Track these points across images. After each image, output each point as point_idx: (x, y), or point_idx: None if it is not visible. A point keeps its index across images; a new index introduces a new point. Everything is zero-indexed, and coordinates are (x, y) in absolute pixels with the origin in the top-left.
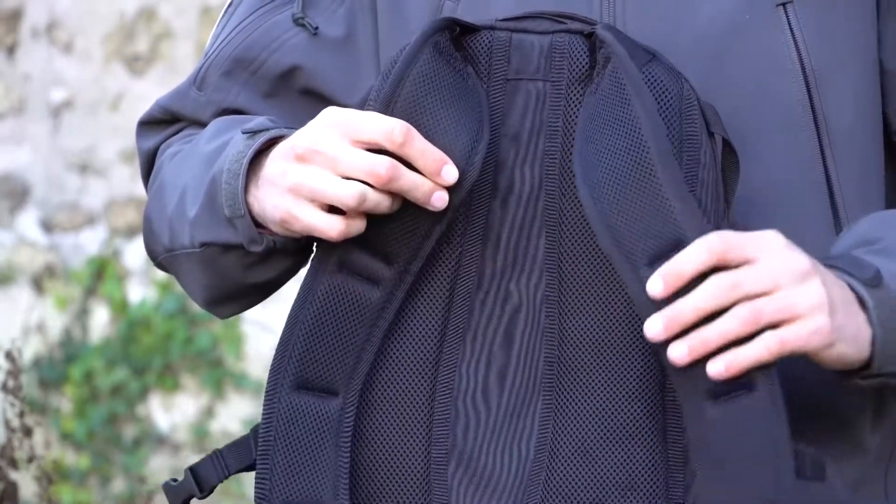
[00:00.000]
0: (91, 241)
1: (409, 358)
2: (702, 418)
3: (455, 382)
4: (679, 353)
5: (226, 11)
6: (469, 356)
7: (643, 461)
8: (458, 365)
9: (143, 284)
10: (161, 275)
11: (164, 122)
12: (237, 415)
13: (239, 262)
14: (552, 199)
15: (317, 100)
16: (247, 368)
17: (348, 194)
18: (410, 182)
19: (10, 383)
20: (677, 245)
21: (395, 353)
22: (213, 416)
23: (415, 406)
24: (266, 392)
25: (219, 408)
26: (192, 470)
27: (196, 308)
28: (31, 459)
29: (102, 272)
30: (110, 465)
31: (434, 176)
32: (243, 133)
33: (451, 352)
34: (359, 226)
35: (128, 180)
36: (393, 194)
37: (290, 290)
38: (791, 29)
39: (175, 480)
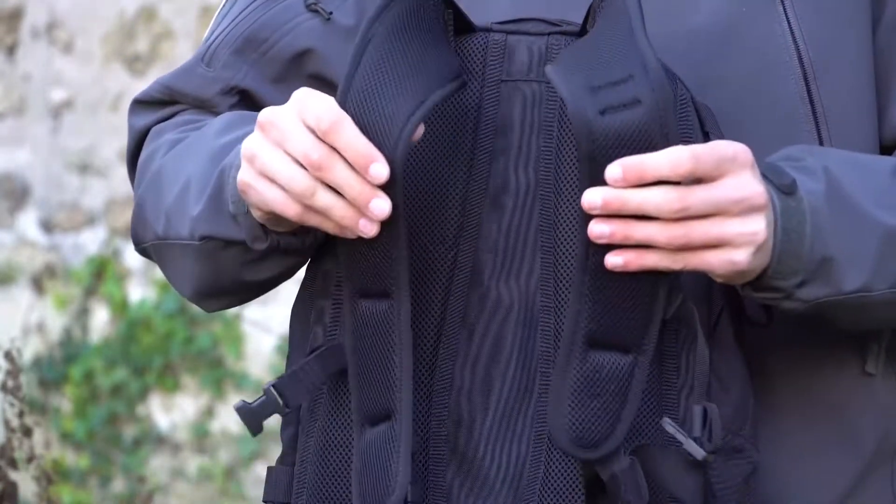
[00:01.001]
0: (91, 241)
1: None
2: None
3: (451, 382)
4: (600, 231)
5: None
6: (465, 356)
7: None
8: (453, 365)
9: (143, 284)
10: (161, 275)
11: (160, 102)
12: (237, 415)
13: (238, 258)
14: (547, 198)
15: (325, 86)
16: (247, 368)
17: (298, 181)
18: (342, 178)
19: (10, 383)
20: (629, 77)
21: None
22: (213, 416)
23: (414, 404)
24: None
25: (219, 408)
26: (275, 387)
27: (196, 308)
28: (30, 459)
29: (102, 272)
30: (110, 465)
31: (363, 172)
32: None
33: (447, 352)
34: (315, 219)
35: (128, 180)
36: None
37: (289, 291)
38: (788, 20)
39: (247, 402)
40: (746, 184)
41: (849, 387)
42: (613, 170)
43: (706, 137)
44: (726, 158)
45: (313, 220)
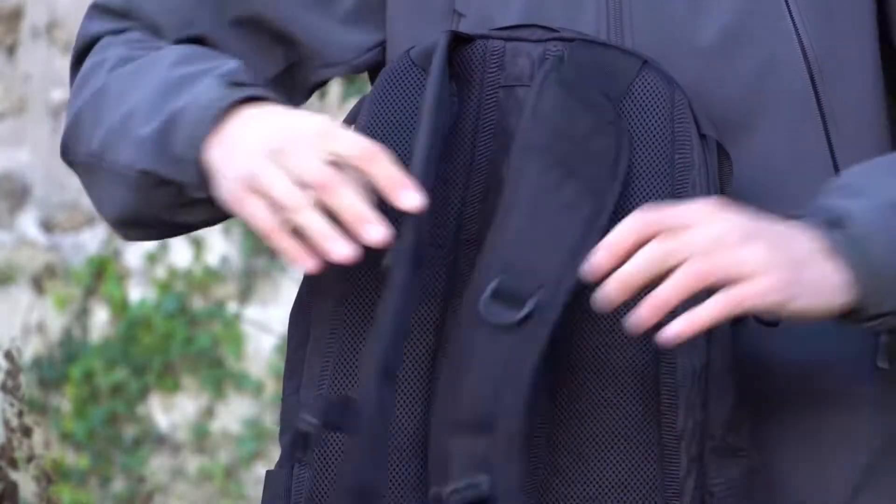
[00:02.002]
0: (91, 241)
1: (406, 363)
2: None
3: None
4: (639, 317)
5: None
6: None
7: (638, 460)
8: None
9: (143, 284)
10: (161, 275)
11: (118, 13)
12: (237, 415)
13: (169, 199)
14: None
15: (280, 39)
16: (247, 368)
17: (290, 197)
18: (344, 201)
19: (10, 383)
20: None
21: None
22: (213, 416)
23: (412, 409)
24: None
25: (219, 408)
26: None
27: (196, 308)
28: (30, 459)
29: (102, 272)
30: (110, 465)
31: (395, 196)
32: (221, 77)
33: (446, 356)
34: (289, 245)
35: None
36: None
37: (289, 292)
38: (792, 19)
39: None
40: (727, 218)
41: (856, 383)
42: (596, 256)
43: (703, 140)
44: (689, 206)
45: (281, 242)
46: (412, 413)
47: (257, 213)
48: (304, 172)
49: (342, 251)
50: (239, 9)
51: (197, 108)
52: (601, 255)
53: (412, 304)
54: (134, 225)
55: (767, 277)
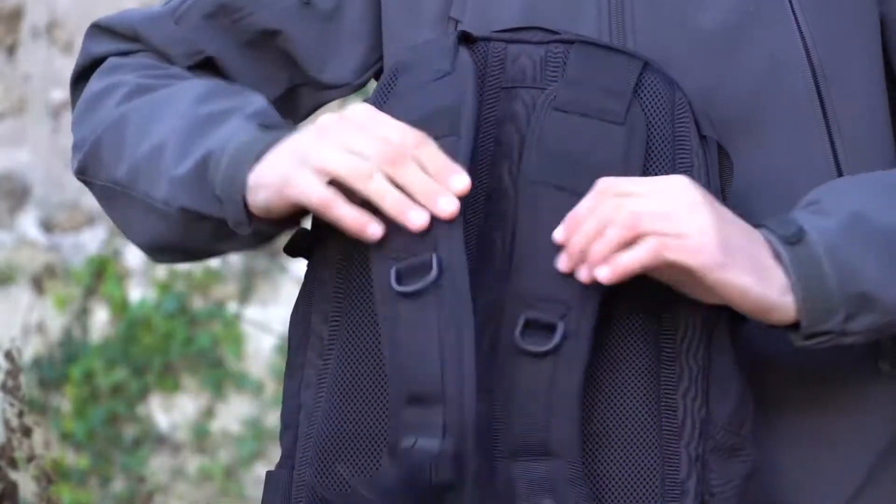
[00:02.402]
0: (91, 241)
1: None
2: None
3: None
4: (582, 275)
5: None
6: None
7: (639, 461)
8: None
9: (143, 284)
10: (161, 275)
11: (121, 35)
12: (237, 415)
13: (211, 231)
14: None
15: (285, 61)
16: (247, 368)
17: (354, 165)
18: (413, 174)
19: (10, 383)
20: None
21: None
22: (213, 416)
23: None
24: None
25: (219, 408)
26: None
27: (196, 308)
28: (30, 459)
29: (102, 272)
30: (110, 465)
31: (444, 181)
32: (251, 118)
33: None
34: (351, 213)
35: None
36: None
37: (289, 292)
38: (796, 19)
39: None
40: (682, 189)
41: (861, 383)
42: (557, 232)
43: (703, 141)
44: (650, 178)
45: (340, 212)
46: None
47: (310, 187)
48: (363, 147)
49: (421, 219)
50: (246, 33)
51: (232, 150)
52: (563, 227)
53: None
54: (168, 251)
55: (700, 239)
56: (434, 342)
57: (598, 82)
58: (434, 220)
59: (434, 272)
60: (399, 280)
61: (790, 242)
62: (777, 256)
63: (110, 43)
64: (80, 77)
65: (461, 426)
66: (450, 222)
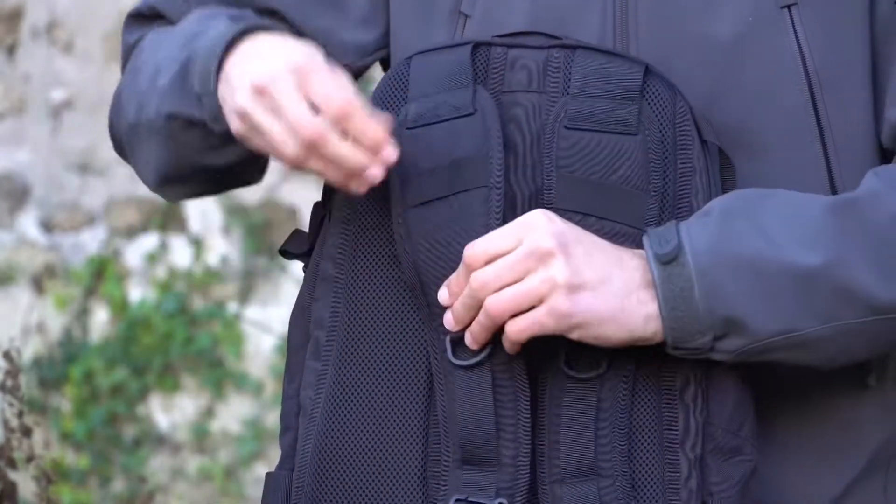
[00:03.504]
0: (91, 241)
1: (406, 401)
2: None
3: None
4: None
5: None
6: None
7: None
8: None
9: (143, 284)
10: (161, 275)
11: (147, 17)
12: (237, 415)
13: (200, 141)
14: (550, 205)
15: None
16: (247, 368)
17: (309, 120)
18: (335, 153)
19: (10, 383)
20: None
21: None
22: (213, 416)
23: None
24: None
25: (219, 408)
26: None
27: (196, 308)
28: (30, 459)
29: (102, 272)
30: (110, 465)
31: (374, 153)
32: (230, 18)
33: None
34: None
35: (128, 180)
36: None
37: (289, 292)
38: (795, 31)
39: None
40: (535, 238)
41: (849, 396)
42: (441, 294)
43: (704, 146)
44: (518, 228)
45: (313, 165)
46: (414, 448)
47: (276, 137)
48: (288, 120)
49: (376, 174)
50: (250, 6)
51: (206, 46)
52: (446, 291)
53: None
54: (173, 180)
55: (558, 299)
56: (490, 409)
57: (604, 90)
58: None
59: (489, 346)
60: (454, 351)
61: (664, 262)
62: (650, 274)
63: (140, 28)
64: (124, 68)
65: (514, 489)
66: None
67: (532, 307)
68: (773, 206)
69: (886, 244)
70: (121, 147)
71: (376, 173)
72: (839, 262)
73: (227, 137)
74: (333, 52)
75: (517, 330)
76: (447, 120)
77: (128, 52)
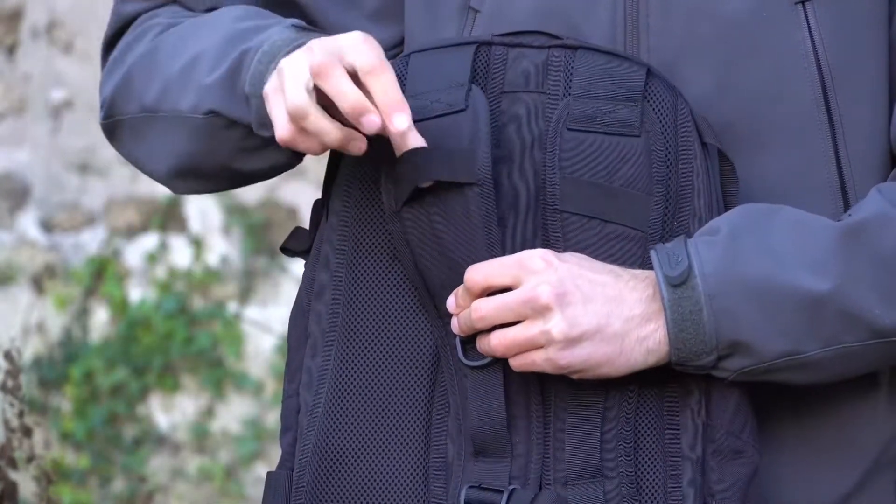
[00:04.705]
0: (91, 241)
1: (407, 405)
2: None
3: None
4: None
5: None
6: None
7: (643, 458)
8: None
9: (143, 284)
10: (161, 275)
11: None
12: (237, 415)
13: (237, 141)
14: (553, 207)
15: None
16: (247, 368)
17: (295, 98)
18: (337, 86)
19: (10, 383)
20: None
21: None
22: (213, 416)
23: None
24: None
25: (219, 408)
26: None
27: (196, 308)
28: (30, 459)
29: (102, 272)
30: (110, 465)
31: (388, 118)
32: (290, 25)
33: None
34: (306, 143)
35: (128, 180)
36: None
37: (290, 292)
38: (809, 27)
39: None
40: (533, 286)
41: (850, 396)
42: (449, 302)
43: (704, 148)
44: (518, 266)
45: (303, 143)
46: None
47: (275, 116)
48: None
49: (374, 124)
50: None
51: (266, 48)
52: (453, 300)
53: None
54: (191, 175)
55: (555, 353)
56: (501, 407)
57: (607, 92)
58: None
59: None
60: (465, 352)
61: (673, 285)
62: (655, 303)
63: (139, 2)
64: (113, 40)
65: (526, 478)
66: None
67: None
68: (781, 225)
69: (891, 271)
70: (116, 128)
71: (361, 146)
72: (847, 288)
73: (267, 142)
74: None
75: (517, 365)
76: (439, 116)
77: (123, 25)
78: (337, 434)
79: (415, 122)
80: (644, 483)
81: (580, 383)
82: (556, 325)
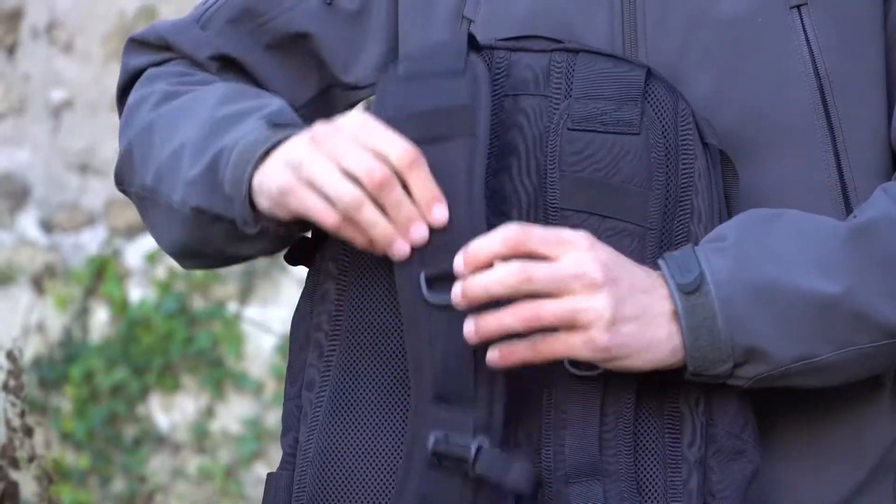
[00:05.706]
0: (91, 241)
1: (399, 407)
2: None
3: None
4: (467, 329)
5: None
6: None
7: (644, 458)
8: None
9: (143, 284)
10: (161, 275)
11: (155, 46)
12: (237, 415)
13: (224, 233)
14: (553, 206)
15: (315, 63)
16: (247, 368)
17: (345, 192)
18: (397, 199)
19: (11, 383)
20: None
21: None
22: (213, 416)
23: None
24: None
25: (219, 408)
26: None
27: (196, 308)
28: (31, 459)
29: (102, 272)
30: (110, 465)
31: (427, 209)
32: (264, 118)
33: None
34: (350, 232)
35: None
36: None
37: (290, 292)
38: (805, 32)
39: None
40: (584, 261)
41: (851, 398)
42: (457, 261)
43: (706, 149)
44: (562, 240)
45: (348, 233)
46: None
47: (316, 207)
48: (353, 165)
49: (403, 250)
50: (272, 37)
51: (240, 149)
52: (461, 260)
53: None
54: (191, 256)
55: (590, 334)
56: (469, 347)
57: (607, 92)
58: (461, 230)
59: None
60: (430, 287)
61: (686, 292)
62: (673, 305)
63: (146, 55)
64: (124, 93)
65: (489, 427)
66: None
67: (565, 328)
68: (788, 229)
69: None
70: (127, 195)
71: (404, 249)
72: (857, 290)
73: (257, 232)
74: (354, 73)
75: (547, 351)
76: (438, 77)
77: (131, 78)
78: (339, 436)
79: (415, 80)
80: (644, 482)
81: (580, 381)
82: (605, 304)
